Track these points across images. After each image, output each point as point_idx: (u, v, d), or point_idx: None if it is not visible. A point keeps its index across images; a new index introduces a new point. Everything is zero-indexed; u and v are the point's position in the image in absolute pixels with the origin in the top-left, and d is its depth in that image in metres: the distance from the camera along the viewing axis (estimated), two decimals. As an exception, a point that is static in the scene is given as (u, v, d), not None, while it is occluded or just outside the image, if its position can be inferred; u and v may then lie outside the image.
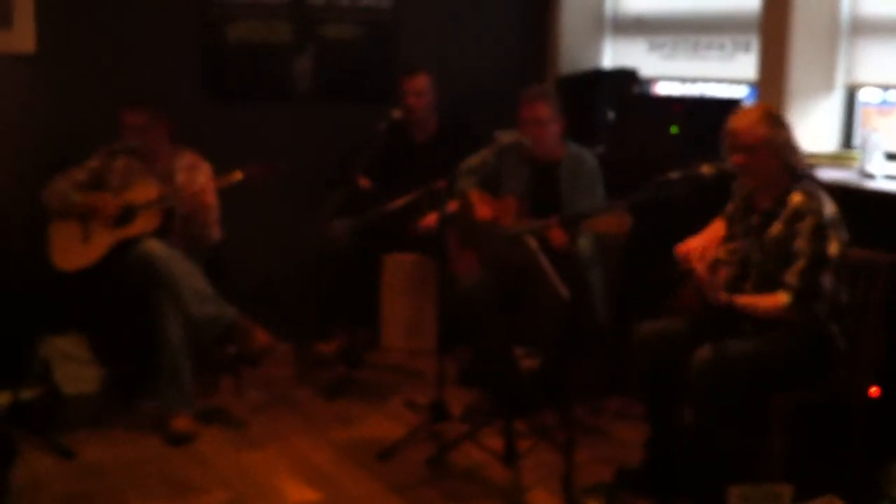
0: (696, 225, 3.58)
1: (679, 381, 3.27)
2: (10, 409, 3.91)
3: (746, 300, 3.21)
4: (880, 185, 3.88)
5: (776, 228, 3.25)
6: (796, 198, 3.23)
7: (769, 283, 3.21)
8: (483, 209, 4.26)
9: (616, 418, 4.11)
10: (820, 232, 3.15)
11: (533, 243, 3.37)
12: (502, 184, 4.35)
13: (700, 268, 3.22)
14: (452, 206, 4.23)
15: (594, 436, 3.96)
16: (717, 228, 3.51)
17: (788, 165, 3.27)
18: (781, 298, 3.15)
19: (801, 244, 3.16)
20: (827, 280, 3.15)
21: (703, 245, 3.41)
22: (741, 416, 3.22)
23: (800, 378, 3.22)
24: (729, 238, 3.42)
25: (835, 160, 4.18)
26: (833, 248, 3.16)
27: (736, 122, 3.30)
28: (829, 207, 3.21)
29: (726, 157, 3.34)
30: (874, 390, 3.27)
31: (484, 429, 3.77)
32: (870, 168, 4.00)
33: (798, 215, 3.20)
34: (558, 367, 3.98)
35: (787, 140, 3.28)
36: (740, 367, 3.14)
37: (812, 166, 3.47)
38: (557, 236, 3.83)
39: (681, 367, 3.23)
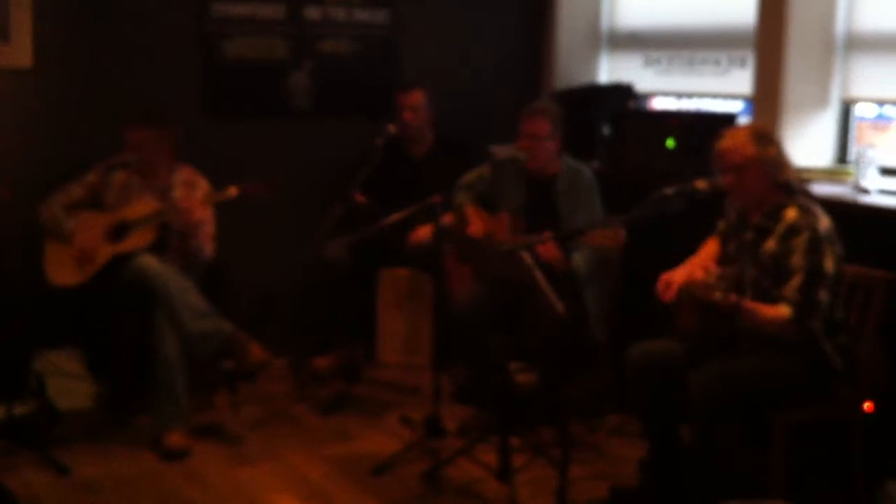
0: (694, 238, 3.59)
1: (676, 400, 3.26)
2: (4, 424, 3.90)
3: (753, 305, 3.15)
4: (875, 200, 3.88)
5: (770, 244, 3.24)
6: (790, 213, 3.23)
7: (764, 300, 3.20)
8: (477, 225, 4.26)
9: (611, 435, 4.10)
10: (815, 247, 3.15)
11: (528, 258, 3.38)
12: (499, 199, 4.35)
13: (698, 275, 3.19)
14: (448, 219, 4.22)
15: (589, 452, 3.94)
16: (708, 250, 3.51)
17: (779, 183, 3.27)
18: (783, 310, 3.13)
19: (796, 260, 3.16)
20: (823, 295, 3.15)
21: (689, 273, 3.40)
22: (741, 435, 3.21)
23: (798, 396, 3.22)
24: (723, 257, 3.42)
25: (829, 175, 4.19)
26: (829, 263, 3.16)
27: (723, 143, 3.30)
28: (824, 222, 3.21)
29: (718, 176, 3.34)
30: (868, 405, 3.26)
31: (479, 444, 3.76)
32: (864, 183, 4.00)
33: (793, 231, 3.19)
34: (554, 383, 3.98)
35: (776, 158, 3.27)
36: (740, 387, 3.13)
37: (804, 181, 3.48)
38: (549, 251, 3.84)
39: (677, 387, 3.22)
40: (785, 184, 3.27)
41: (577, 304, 3.90)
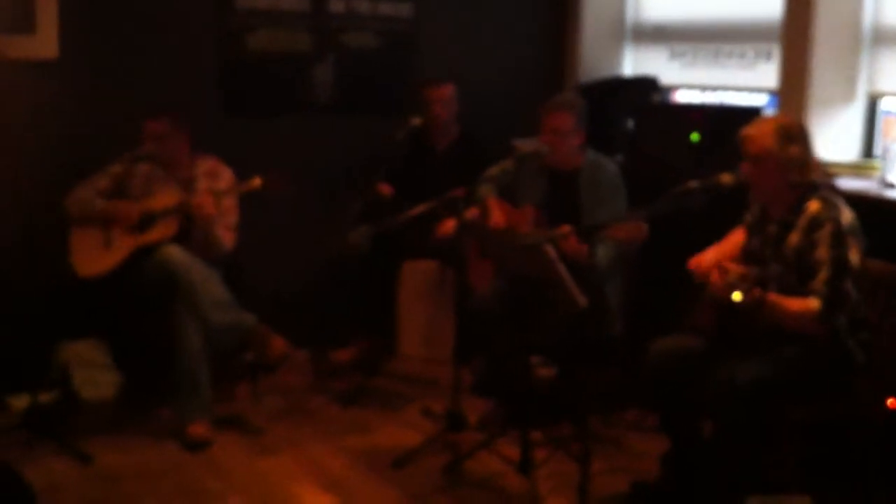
0: (715, 234, 3.56)
1: (695, 397, 3.24)
2: (28, 413, 3.93)
3: (778, 299, 3.10)
4: (901, 195, 3.85)
5: (794, 238, 3.21)
6: (813, 206, 3.18)
7: (789, 295, 3.17)
8: (499, 216, 4.25)
9: (631, 429, 4.08)
10: (839, 239, 3.11)
11: (551, 252, 3.37)
12: (520, 193, 4.34)
13: (715, 277, 3.18)
14: (471, 213, 4.22)
15: (609, 446, 3.93)
16: (736, 238, 3.48)
17: (797, 183, 3.21)
18: (812, 304, 3.09)
19: (820, 253, 3.12)
20: (850, 288, 3.11)
21: (718, 257, 3.37)
22: (761, 432, 3.18)
23: (819, 392, 3.18)
24: (747, 251, 3.38)
25: (855, 170, 4.16)
26: (853, 256, 3.12)
27: (749, 129, 3.27)
28: (847, 215, 3.17)
29: (739, 163, 3.31)
30: (892, 401, 3.22)
31: (500, 438, 3.75)
32: (891, 178, 3.97)
33: (816, 223, 3.15)
34: (574, 377, 3.97)
35: (798, 158, 3.20)
36: (761, 386, 3.09)
37: (830, 176, 3.43)
38: (572, 246, 3.82)
39: (696, 383, 3.19)
40: (804, 183, 3.22)
41: (597, 298, 3.88)
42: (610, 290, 4.06)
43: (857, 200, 3.36)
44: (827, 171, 3.83)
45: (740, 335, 3.22)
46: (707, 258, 3.36)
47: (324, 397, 4.45)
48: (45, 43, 4.36)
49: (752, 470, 3.15)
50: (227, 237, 4.18)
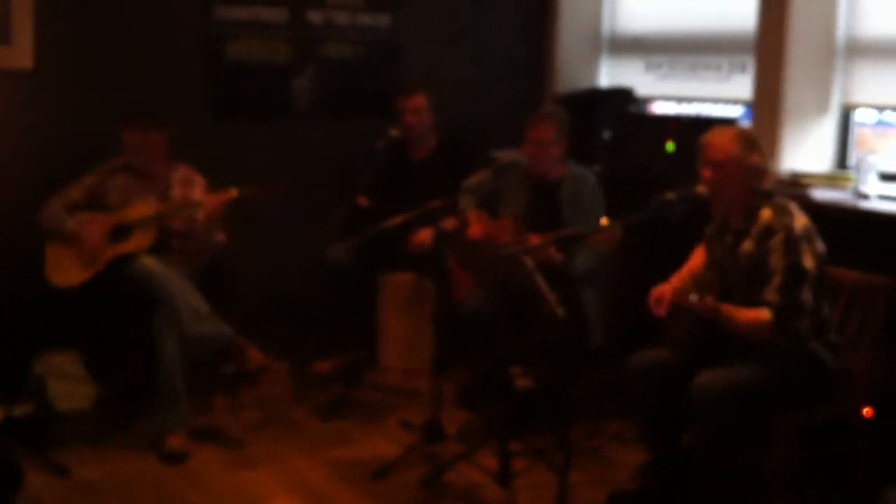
0: (694, 243, 3.59)
1: (676, 408, 3.26)
2: (3, 425, 3.90)
3: (731, 309, 3.15)
4: (875, 205, 3.89)
5: (747, 246, 3.25)
6: (765, 214, 3.23)
7: (751, 304, 3.19)
8: (476, 228, 4.26)
9: (611, 440, 4.09)
10: (792, 246, 3.15)
11: (530, 263, 3.38)
12: (502, 203, 4.35)
13: (676, 283, 3.23)
14: (450, 224, 4.23)
15: (589, 457, 3.94)
16: (696, 260, 3.51)
17: (755, 190, 3.27)
18: (764, 315, 3.13)
19: (774, 260, 3.16)
20: (806, 294, 3.14)
21: (677, 284, 3.40)
22: (744, 440, 3.20)
23: (797, 398, 3.21)
24: (709, 263, 3.42)
25: (830, 181, 4.19)
26: (808, 261, 3.15)
27: (710, 137, 3.32)
28: (800, 220, 3.21)
29: (699, 170, 3.34)
30: (867, 411, 3.26)
31: (479, 449, 3.76)
32: (864, 189, 4.01)
33: (768, 231, 3.20)
34: (555, 387, 3.98)
35: (758, 165, 3.27)
36: (741, 393, 3.11)
37: (802, 187, 3.47)
38: (546, 254, 3.84)
39: (676, 395, 3.21)
40: (763, 192, 3.27)
41: (577, 309, 3.89)
42: (588, 301, 4.08)
43: (831, 211, 3.40)
44: (780, 181, 3.87)
45: (712, 345, 3.25)
46: (666, 289, 3.38)
47: (304, 409, 4.44)
48: (20, 53, 4.34)
49: (731, 480, 3.17)
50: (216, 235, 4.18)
